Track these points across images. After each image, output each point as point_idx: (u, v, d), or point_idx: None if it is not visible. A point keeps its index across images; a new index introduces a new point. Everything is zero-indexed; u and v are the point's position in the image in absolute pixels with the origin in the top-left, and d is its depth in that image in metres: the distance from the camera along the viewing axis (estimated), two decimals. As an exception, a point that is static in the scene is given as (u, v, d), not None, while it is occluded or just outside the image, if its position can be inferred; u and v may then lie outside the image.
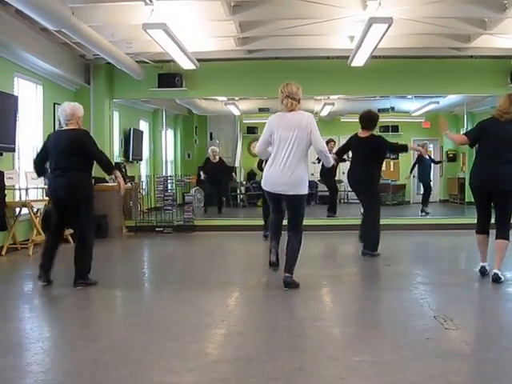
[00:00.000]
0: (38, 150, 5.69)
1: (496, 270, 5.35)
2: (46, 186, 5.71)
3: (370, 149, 6.96)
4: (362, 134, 7.09)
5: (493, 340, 3.74)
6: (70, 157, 5.38)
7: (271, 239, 5.49)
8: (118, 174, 5.75)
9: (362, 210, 7.38)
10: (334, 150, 11.42)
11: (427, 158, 13.06)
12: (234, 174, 13.92)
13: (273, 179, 5.25)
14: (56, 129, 9.51)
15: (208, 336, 3.96)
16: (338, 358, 3.43)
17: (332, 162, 5.69)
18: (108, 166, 5.69)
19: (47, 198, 8.09)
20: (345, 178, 9.54)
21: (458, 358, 3.33)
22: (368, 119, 7.11)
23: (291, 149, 5.15)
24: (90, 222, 5.61)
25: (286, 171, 5.16)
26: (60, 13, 6.42)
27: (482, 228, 5.63)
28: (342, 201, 14.95)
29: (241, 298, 5.33)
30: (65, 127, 5.57)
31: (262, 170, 6.38)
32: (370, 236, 6.99)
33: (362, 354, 3.47)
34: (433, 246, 8.99)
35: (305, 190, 5.26)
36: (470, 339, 3.72)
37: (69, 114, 5.50)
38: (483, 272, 5.64)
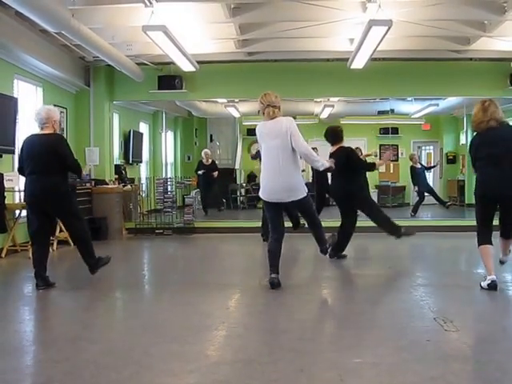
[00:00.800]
0: (18, 158, 5.67)
1: (505, 257, 5.39)
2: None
3: (340, 161, 6.79)
4: (332, 149, 7.09)
5: (493, 341, 3.74)
6: (44, 161, 5.37)
7: (270, 268, 5.36)
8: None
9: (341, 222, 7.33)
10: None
11: (419, 166, 13.07)
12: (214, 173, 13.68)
13: (271, 189, 5.29)
14: (57, 131, 9.55)
15: (208, 338, 3.95)
16: (338, 360, 3.42)
17: (325, 164, 5.55)
18: (76, 170, 5.75)
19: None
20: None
21: (459, 360, 3.33)
22: (332, 135, 7.16)
23: (278, 156, 5.21)
24: (77, 221, 5.60)
25: (281, 179, 5.21)
26: (60, 15, 6.43)
27: (490, 237, 5.21)
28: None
29: (241, 299, 5.33)
30: (40, 131, 5.55)
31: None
32: (385, 226, 7.06)
33: (362, 356, 3.47)
34: (433, 248, 8.99)
35: (304, 193, 5.33)
36: (470, 341, 3.72)
37: (44, 117, 5.48)
38: (495, 286, 5.08)
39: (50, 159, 5.38)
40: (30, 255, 5.59)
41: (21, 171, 5.66)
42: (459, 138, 15.98)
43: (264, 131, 5.35)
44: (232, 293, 5.52)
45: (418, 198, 13.04)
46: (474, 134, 5.41)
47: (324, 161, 5.61)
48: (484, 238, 5.21)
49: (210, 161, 13.22)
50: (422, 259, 7.95)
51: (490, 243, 5.20)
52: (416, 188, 13.03)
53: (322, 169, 5.60)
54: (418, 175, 13.01)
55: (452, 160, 16.19)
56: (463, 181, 14.79)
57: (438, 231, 10.24)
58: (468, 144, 14.90)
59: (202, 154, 13.36)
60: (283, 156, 5.18)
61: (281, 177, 5.19)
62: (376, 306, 5.00)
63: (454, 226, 10.56)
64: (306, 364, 3.32)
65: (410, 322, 4.28)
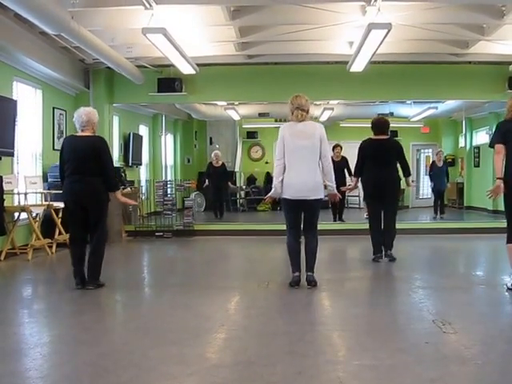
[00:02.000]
0: (59, 165, 5.71)
1: None
2: (61, 191, 5.77)
3: (391, 150, 7.04)
4: (379, 137, 7.11)
5: (491, 343, 3.75)
6: (87, 162, 5.48)
7: (294, 267, 5.58)
8: (119, 195, 5.88)
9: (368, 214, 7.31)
10: (338, 156, 11.48)
11: (440, 165, 13.03)
12: (230, 183, 13.78)
13: (296, 186, 5.46)
14: (56, 134, 9.56)
15: (208, 340, 3.96)
16: (337, 362, 3.43)
17: (335, 189, 5.72)
18: (111, 183, 5.71)
19: (47, 203, 8.11)
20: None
21: (457, 362, 3.34)
22: (382, 124, 7.19)
23: (308, 156, 5.44)
24: (105, 227, 5.73)
25: (309, 178, 5.43)
26: (59, 17, 6.43)
27: None
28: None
29: (240, 302, 5.34)
30: (80, 133, 5.66)
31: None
32: (390, 236, 7.08)
33: (361, 358, 3.48)
34: (431, 250, 8.99)
35: (322, 194, 5.59)
36: (468, 343, 3.72)
37: (85, 120, 5.60)
38: None
39: (91, 160, 5.48)
40: (69, 254, 5.69)
41: (62, 173, 5.68)
42: (458, 141, 16.00)
43: (293, 132, 5.48)
44: (232, 295, 5.54)
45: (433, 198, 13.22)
46: (503, 120, 5.38)
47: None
48: None
49: (220, 162, 13.26)
50: (421, 262, 7.96)
51: None
52: (432, 184, 13.25)
53: (331, 186, 5.72)
54: (434, 173, 13.03)
55: (451, 163, 16.20)
56: (462, 183, 14.80)
57: (436, 233, 10.24)
58: (467, 146, 14.94)
59: (212, 155, 13.38)
60: (311, 157, 5.45)
61: (308, 175, 5.43)
62: (375, 309, 5.00)
63: (453, 228, 10.57)
64: (305, 366, 3.33)
65: (409, 325, 4.29)
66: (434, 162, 13.33)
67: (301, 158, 5.42)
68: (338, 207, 11.50)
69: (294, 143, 5.43)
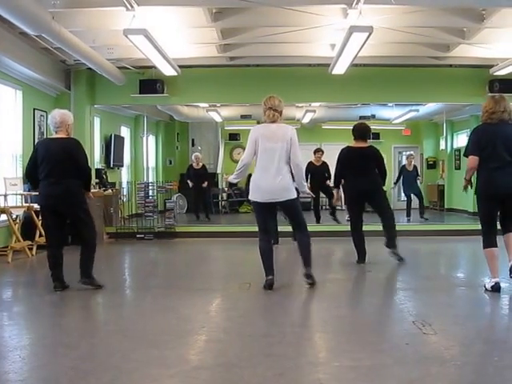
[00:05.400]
0: (29, 162, 5.68)
1: None
2: (37, 194, 5.72)
3: (371, 157, 7.07)
4: (359, 144, 7.12)
5: (470, 344, 3.78)
6: (63, 165, 5.44)
7: (267, 271, 5.53)
8: (90, 195, 5.90)
9: (348, 219, 7.38)
10: (319, 160, 11.52)
11: (410, 169, 13.07)
12: (206, 183, 13.62)
13: (265, 188, 5.45)
14: (37, 135, 9.46)
15: (188, 342, 3.95)
16: (317, 364, 3.44)
17: (306, 188, 5.87)
18: (87, 184, 5.74)
19: (27, 205, 8.02)
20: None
21: (437, 363, 3.37)
22: (363, 130, 7.22)
23: (278, 158, 5.41)
24: (91, 226, 5.69)
25: (278, 180, 5.41)
26: (40, 17, 6.37)
27: (494, 241, 5.24)
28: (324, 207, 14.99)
29: (222, 304, 5.33)
30: (54, 135, 5.63)
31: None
32: (394, 236, 7.17)
33: (341, 360, 3.49)
34: (413, 252, 9.04)
35: (295, 194, 5.57)
36: (448, 344, 3.75)
37: (58, 121, 5.55)
38: (498, 288, 5.17)
39: (66, 163, 5.44)
40: (46, 258, 5.64)
41: (31, 175, 5.64)
42: (439, 144, 16.17)
43: (265, 133, 5.48)
44: (212, 297, 5.53)
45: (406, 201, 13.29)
46: (480, 123, 5.37)
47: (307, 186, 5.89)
48: (489, 241, 5.24)
49: (201, 164, 13.22)
50: (402, 263, 8.00)
51: (496, 246, 5.24)
52: (402, 188, 13.35)
53: (302, 189, 5.81)
54: (404, 177, 13.12)
55: (432, 165, 16.36)
56: (443, 185, 14.95)
57: (417, 235, 10.31)
58: (448, 148, 15.08)
59: (193, 157, 13.36)
60: (281, 159, 5.43)
61: (277, 177, 5.40)
62: (356, 310, 5.03)
63: (434, 230, 10.67)
64: (286, 368, 3.33)
65: (389, 326, 4.33)
66: (404, 166, 13.35)
67: (273, 159, 5.40)
68: (329, 203, 11.57)
69: (264, 145, 5.43)
